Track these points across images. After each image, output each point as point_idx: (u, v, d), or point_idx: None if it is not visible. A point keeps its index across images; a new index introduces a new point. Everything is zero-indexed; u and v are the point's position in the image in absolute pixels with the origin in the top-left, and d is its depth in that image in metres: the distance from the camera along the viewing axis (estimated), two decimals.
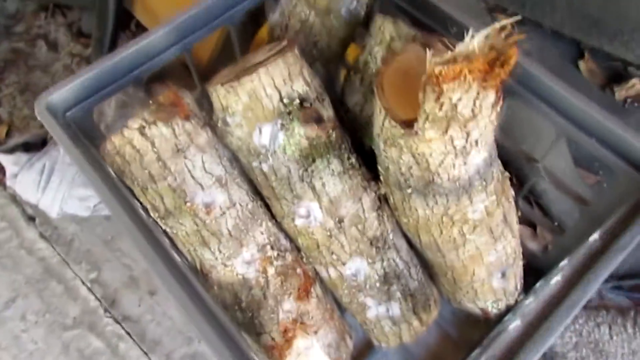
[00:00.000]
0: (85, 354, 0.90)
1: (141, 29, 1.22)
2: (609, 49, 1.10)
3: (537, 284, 0.85)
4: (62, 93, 0.68)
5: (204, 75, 0.78)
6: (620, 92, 1.10)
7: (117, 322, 0.92)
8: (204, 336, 0.53)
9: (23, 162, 0.94)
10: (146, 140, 0.61)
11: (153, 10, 1.13)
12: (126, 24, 1.23)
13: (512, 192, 0.72)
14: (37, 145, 1.00)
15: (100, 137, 0.67)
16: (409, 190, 0.63)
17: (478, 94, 0.49)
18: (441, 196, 0.62)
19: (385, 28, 0.70)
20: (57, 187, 0.93)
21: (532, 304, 0.72)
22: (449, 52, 0.46)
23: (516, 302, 0.86)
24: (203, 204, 0.65)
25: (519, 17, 0.45)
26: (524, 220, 0.94)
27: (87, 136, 0.68)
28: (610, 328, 0.86)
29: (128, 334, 0.91)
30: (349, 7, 0.75)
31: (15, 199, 1.03)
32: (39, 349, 0.90)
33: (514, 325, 0.65)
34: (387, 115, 0.56)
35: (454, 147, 0.55)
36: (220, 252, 0.67)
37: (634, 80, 1.11)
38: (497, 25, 0.45)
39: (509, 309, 0.86)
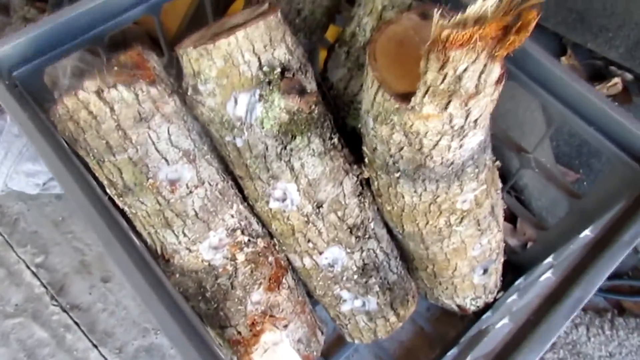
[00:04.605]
0: (27, 344, 0.81)
1: None
2: (593, 45, 1.08)
3: (519, 281, 0.81)
4: (8, 49, 0.59)
5: (172, 45, 0.70)
6: (602, 91, 1.08)
7: (65, 310, 0.84)
8: (164, 327, 0.46)
9: None
10: (105, 104, 0.54)
11: None
12: None
13: (500, 184, 0.69)
14: None
15: (52, 102, 0.59)
16: (397, 175, 0.57)
17: (485, 66, 0.45)
18: (431, 182, 0.57)
19: None
20: (1, 161, 0.84)
21: (520, 302, 0.69)
22: (459, 15, 0.41)
23: (495, 300, 0.82)
24: (167, 181, 0.58)
25: None
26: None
27: (37, 100, 0.59)
28: (587, 329, 0.83)
29: (76, 324, 0.83)
30: None
31: None
32: None
33: (502, 324, 0.61)
34: (380, 88, 0.50)
35: (452, 127, 0.50)
36: (184, 235, 0.60)
37: (615, 79, 1.09)
38: None
39: (487, 307, 0.82)
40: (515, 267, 0.86)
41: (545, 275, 0.62)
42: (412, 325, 0.85)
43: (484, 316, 0.81)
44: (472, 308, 0.81)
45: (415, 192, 0.59)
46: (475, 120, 0.51)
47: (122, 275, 0.46)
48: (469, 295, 0.78)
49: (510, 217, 0.94)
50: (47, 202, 0.92)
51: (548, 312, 0.48)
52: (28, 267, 0.86)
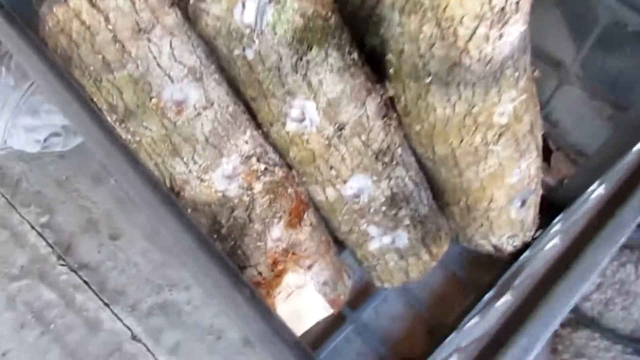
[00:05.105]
0: (35, 307, 0.76)
1: None
2: None
3: (558, 219, 0.75)
4: None
5: None
6: None
7: (73, 270, 0.79)
8: (197, 264, 0.41)
9: None
10: (98, 13, 0.48)
11: None
12: None
13: (538, 101, 0.62)
14: None
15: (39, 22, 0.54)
16: (428, 80, 0.51)
17: None
18: (466, 87, 0.51)
19: None
20: None
21: (568, 222, 0.62)
22: None
23: (533, 239, 0.76)
24: (173, 102, 0.52)
25: None
26: None
27: (23, 18, 0.54)
28: (636, 267, 0.77)
29: (86, 283, 0.78)
30: None
31: None
32: None
33: (552, 245, 0.55)
34: None
35: (492, 8, 0.44)
36: (194, 162, 0.55)
37: None
38: None
39: (525, 247, 0.76)
40: (552, 205, 0.79)
41: (596, 193, 0.56)
42: (444, 270, 0.79)
43: (522, 257, 0.75)
44: (509, 248, 0.75)
45: (448, 101, 0.53)
46: (517, 4, 0.45)
47: (143, 208, 0.41)
48: (505, 233, 0.72)
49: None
50: (49, 161, 0.87)
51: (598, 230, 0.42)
52: (33, 228, 0.81)
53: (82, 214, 0.83)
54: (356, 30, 0.64)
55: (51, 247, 0.80)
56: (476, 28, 0.45)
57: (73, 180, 0.86)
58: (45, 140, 0.84)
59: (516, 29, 0.47)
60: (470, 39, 0.46)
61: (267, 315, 0.40)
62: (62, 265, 0.79)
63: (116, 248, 0.80)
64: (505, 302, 0.47)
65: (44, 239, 0.81)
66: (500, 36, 0.46)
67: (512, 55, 0.50)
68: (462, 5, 0.43)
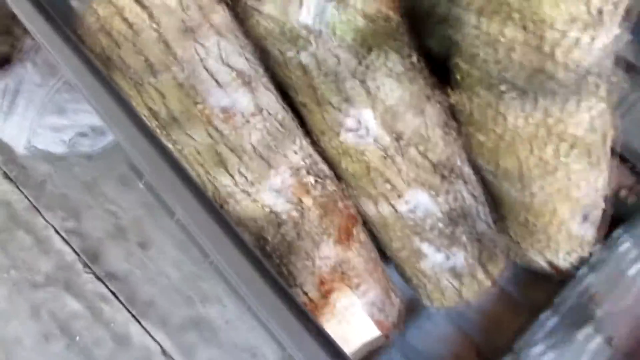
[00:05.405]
0: (60, 317, 0.73)
1: None
2: None
3: (618, 233, 0.70)
4: None
5: None
6: None
7: (100, 279, 0.75)
8: (244, 281, 0.36)
9: None
10: (143, 10, 0.44)
11: None
12: None
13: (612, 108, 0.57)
14: None
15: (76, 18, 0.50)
16: (503, 88, 0.46)
17: None
18: (546, 96, 0.46)
19: None
20: (22, 113, 0.75)
21: None
22: None
23: (590, 254, 0.71)
24: (220, 108, 0.48)
25: None
26: None
27: (57, 12, 0.50)
28: None
29: (113, 294, 0.74)
30: None
31: None
32: (3, 311, 0.73)
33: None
34: None
35: (588, 9, 0.39)
36: (241, 175, 0.50)
37: None
38: None
39: (581, 263, 0.71)
40: (612, 218, 0.74)
41: None
42: (496, 289, 0.73)
43: (580, 272, 0.70)
44: (565, 264, 0.70)
45: (522, 110, 0.48)
46: (615, 4, 0.40)
47: (184, 214, 0.36)
48: (563, 249, 0.67)
49: None
50: (75, 162, 0.83)
51: None
52: (57, 233, 0.78)
53: (109, 220, 0.79)
54: (412, 30, 0.59)
55: (77, 254, 0.76)
56: (567, 32, 0.40)
57: (100, 183, 0.82)
58: (70, 140, 0.80)
59: (610, 33, 0.42)
60: (559, 43, 0.41)
61: (318, 334, 0.36)
62: (88, 273, 0.75)
63: (145, 257, 0.76)
64: (591, 338, 0.42)
65: (70, 245, 0.77)
66: (592, 41, 0.41)
67: (599, 62, 0.45)
68: (557, 6, 0.38)
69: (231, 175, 0.50)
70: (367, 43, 0.48)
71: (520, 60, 0.43)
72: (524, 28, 0.41)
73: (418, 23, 0.59)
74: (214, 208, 0.42)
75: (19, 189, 0.80)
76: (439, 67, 0.56)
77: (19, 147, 0.78)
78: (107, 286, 0.74)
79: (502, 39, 0.42)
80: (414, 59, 0.53)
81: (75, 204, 0.80)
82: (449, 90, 0.53)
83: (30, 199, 0.80)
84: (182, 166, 0.45)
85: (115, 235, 0.78)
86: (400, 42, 0.51)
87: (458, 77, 0.50)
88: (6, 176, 0.81)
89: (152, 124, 0.50)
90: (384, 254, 0.65)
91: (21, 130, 0.75)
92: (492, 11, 0.41)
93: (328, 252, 0.55)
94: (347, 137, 0.52)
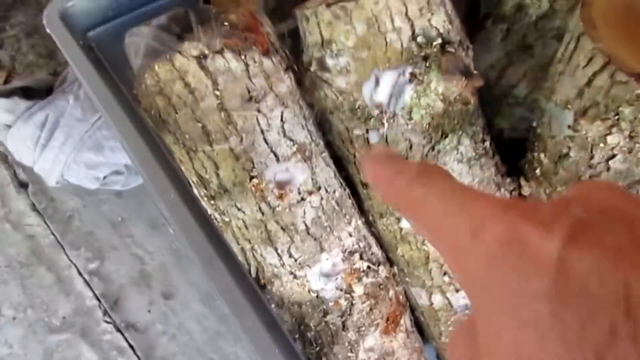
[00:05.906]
0: None
1: None
2: None
3: None
4: (84, 2, 0.47)
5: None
6: None
7: (119, 329, 0.71)
8: None
9: (20, 111, 0.73)
10: (207, 75, 0.40)
11: None
12: None
13: None
14: (40, 92, 0.79)
15: (132, 75, 0.47)
16: None
17: None
18: None
19: None
20: (59, 147, 0.72)
21: None
22: None
23: None
24: (275, 183, 0.44)
25: None
26: None
27: (115, 69, 0.47)
28: None
29: (131, 347, 0.70)
30: None
31: (5, 157, 0.82)
32: (13, 354, 0.69)
33: None
34: (607, 66, 0.35)
35: None
36: (290, 255, 0.46)
37: None
38: None
39: None
40: None
41: None
42: None
43: None
44: None
45: None
46: None
47: (230, 314, 0.32)
48: None
49: None
50: (105, 199, 0.80)
51: None
52: (80, 274, 0.74)
53: (134, 264, 0.75)
54: (484, 110, 0.55)
55: (98, 299, 0.72)
56: None
57: (128, 224, 0.78)
58: (104, 177, 0.77)
59: None
60: None
61: None
62: (108, 322, 0.71)
63: (168, 309, 0.72)
64: None
65: (91, 288, 0.73)
66: None
67: None
68: None
69: (279, 255, 0.46)
70: (442, 128, 0.44)
71: (618, 168, 0.39)
72: (631, 137, 0.36)
73: (493, 102, 0.55)
74: (253, 289, 0.39)
75: (46, 223, 0.77)
76: (508, 148, 0.52)
77: (51, 180, 0.75)
78: (125, 338, 0.70)
79: (602, 145, 0.38)
80: (487, 144, 0.48)
81: (101, 243, 0.76)
82: (522, 181, 0.49)
83: (56, 234, 0.76)
84: (224, 239, 0.42)
85: (139, 281, 0.74)
86: (475, 126, 0.46)
87: (537, 171, 0.46)
88: (34, 208, 0.78)
89: (200, 191, 0.46)
90: (422, 334, 0.60)
91: (56, 164, 0.72)
92: (596, 115, 0.37)
93: (373, 344, 0.50)
94: (409, 224, 0.47)
